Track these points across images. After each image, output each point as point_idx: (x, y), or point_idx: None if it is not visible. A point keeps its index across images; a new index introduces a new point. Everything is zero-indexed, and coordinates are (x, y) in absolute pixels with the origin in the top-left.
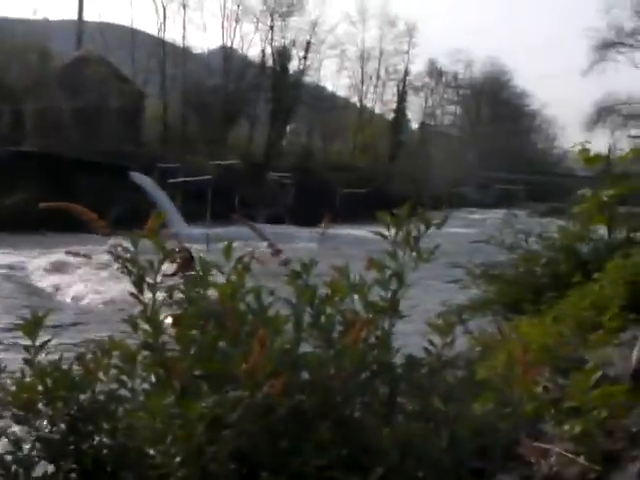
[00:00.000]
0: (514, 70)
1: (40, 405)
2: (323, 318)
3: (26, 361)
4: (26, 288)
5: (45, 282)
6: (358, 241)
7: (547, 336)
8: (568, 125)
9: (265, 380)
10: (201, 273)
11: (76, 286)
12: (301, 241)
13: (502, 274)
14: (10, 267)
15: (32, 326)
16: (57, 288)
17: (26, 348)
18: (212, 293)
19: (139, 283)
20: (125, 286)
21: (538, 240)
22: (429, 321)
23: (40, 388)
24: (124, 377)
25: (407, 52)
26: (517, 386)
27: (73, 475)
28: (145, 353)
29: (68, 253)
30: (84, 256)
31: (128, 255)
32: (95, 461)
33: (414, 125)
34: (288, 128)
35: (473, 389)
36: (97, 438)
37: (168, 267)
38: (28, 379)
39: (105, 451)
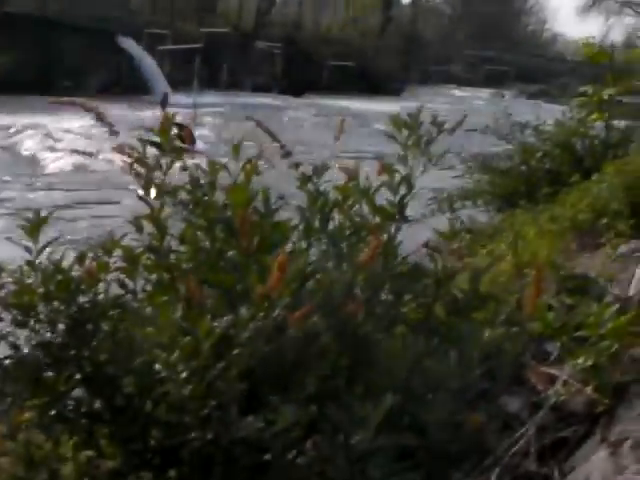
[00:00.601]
0: None
1: (40, 307)
2: (332, 225)
3: (28, 263)
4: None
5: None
6: (343, 111)
7: (544, 236)
8: (560, 8)
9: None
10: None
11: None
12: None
13: (496, 165)
14: None
15: (34, 227)
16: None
17: (27, 249)
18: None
19: (147, 184)
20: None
21: (534, 132)
22: (436, 229)
23: (41, 290)
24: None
25: None
26: (525, 305)
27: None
28: (149, 255)
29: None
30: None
31: (135, 154)
32: (96, 367)
33: (405, 1)
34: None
35: (478, 302)
36: (97, 343)
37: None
38: (29, 280)
39: (106, 356)
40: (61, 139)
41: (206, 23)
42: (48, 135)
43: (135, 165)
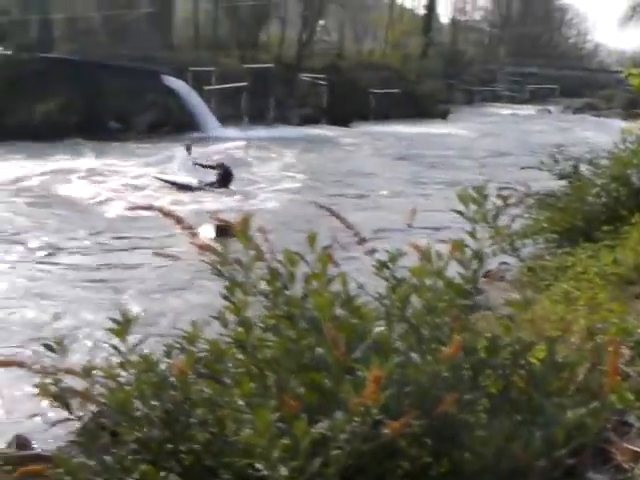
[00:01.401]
0: None
1: (136, 405)
2: (411, 311)
3: (121, 364)
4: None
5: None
6: (389, 135)
7: (607, 280)
8: (601, 19)
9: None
10: (288, 265)
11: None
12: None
13: (554, 202)
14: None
15: (122, 328)
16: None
17: (116, 348)
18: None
19: (231, 285)
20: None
21: (589, 167)
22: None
23: (134, 388)
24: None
25: None
26: (606, 381)
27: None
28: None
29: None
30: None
31: (218, 255)
32: (194, 459)
33: (444, 20)
34: (319, 27)
35: (555, 372)
36: (194, 437)
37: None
38: (121, 378)
39: (203, 449)
40: (113, 184)
41: (248, 57)
42: (99, 180)
43: (215, 261)
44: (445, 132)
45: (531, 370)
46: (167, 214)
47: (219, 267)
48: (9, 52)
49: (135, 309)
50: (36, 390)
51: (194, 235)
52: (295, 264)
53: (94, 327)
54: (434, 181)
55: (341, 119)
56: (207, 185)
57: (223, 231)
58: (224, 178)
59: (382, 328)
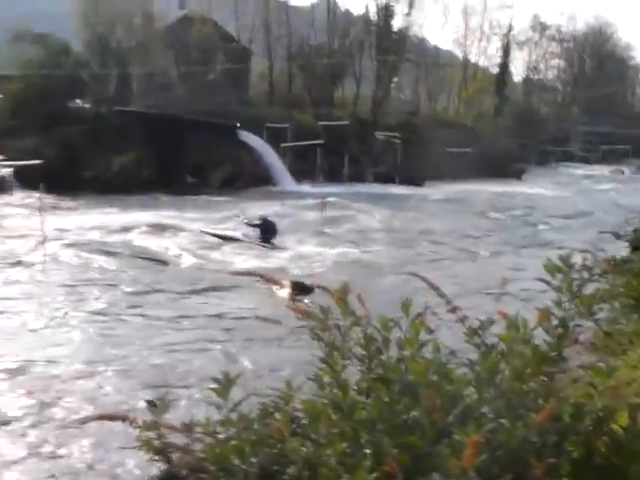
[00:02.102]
0: (618, 22)
1: (234, 460)
2: (499, 379)
3: (221, 422)
4: (136, 252)
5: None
6: (464, 195)
7: None
8: None
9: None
10: (383, 331)
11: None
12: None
13: (631, 266)
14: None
15: (224, 388)
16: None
17: (219, 407)
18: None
19: (330, 349)
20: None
21: None
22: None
23: (233, 444)
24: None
25: (511, 6)
26: None
27: None
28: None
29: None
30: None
31: (316, 318)
32: None
33: (517, 79)
34: (393, 84)
35: (638, 440)
36: None
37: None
38: (221, 435)
39: None
40: (185, 238)
41: (323, 113)
42: (172, 233)
43: (314, 327)
44: (520, 192)
45: (614, 437)
46: (269, 280)
47: (318, 332)
48: (88, 105)
49: (231, 366)
50: (139, 444)
51: (294, 300)
52: (390, 330)
53: (193, 382)
54: (514, 241)
55: (415, 177)
56: (253, 239)
57: (298, 290)
58: (267, 233)
59: (473, 393)
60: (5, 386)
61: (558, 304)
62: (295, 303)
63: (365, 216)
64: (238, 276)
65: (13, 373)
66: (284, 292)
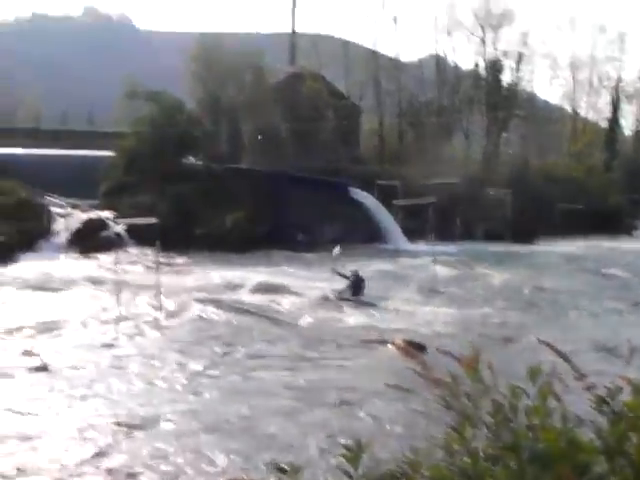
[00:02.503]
0: None
1: None
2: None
3: None
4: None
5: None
6: (578, 252)
7: None
8: None
9: None
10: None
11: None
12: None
13: None
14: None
15: (355, 455)
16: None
17: (347, 474)
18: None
19: (461, 419)
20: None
21: None
22: None
23: None
24: None
25: (619, 59)
26: None
27: None
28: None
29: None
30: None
31: (446, 386)
32: None
33: (627, 132)
34: (502, 140)
35: None
36: None
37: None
38: None
39: None
40: (298, 297)
41: (433, 170)
42: (286, 292)
43: (447, 395)
44: (632, 248)
45: None
46: (401, 348)
47: (448, 399)
48: (200, 162)
49: (358, 431)
50: None
51: (426, 369)
52: (518, 397)
53: (318, 446)
54: (631, 299)
55: (525, 234)
56: (340, 293)
57: (408, 350)
58: (355, 287)
59: (602, 462)
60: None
61: None
62: (429, 371)
63: (477, 274)
64: (358, 336)
65: (134, 428)
66: (398, 351)
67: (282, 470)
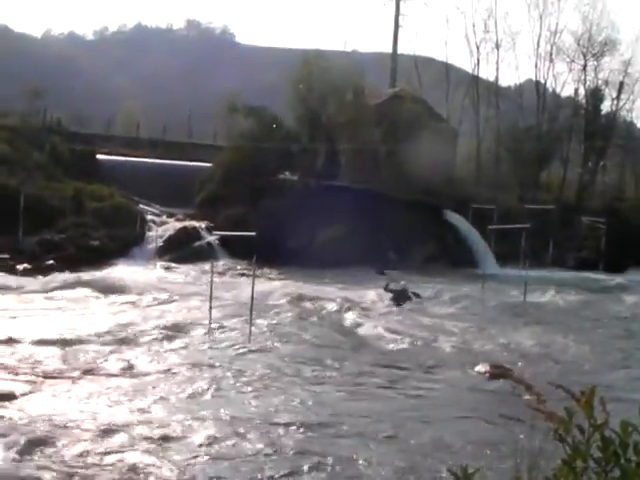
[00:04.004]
0: None
1: None
2: None
3: None
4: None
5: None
6: None
7: None
8: None
9: None
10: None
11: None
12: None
13: None
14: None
15: None
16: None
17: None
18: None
19: (573, 452)
20: None
21: None
22: None
23: None
24: None
25: None
26: None
27: None
28: None
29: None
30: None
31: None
32: None
33: None
34: (599, 168)
35: None
36: None
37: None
38: None
39: None
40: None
41: (528, 196)
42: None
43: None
44: None
45: None
46: (518, 381)
47: (562, 433)
48: (295, 177)
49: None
50: None
51: (541, 402)
52: (629, 434)
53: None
54: None
55: (618, 264)
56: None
57: (497, 372)
58: (400, 298)
59: None
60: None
61: None
62: (543, 405)
63: (566, 302)
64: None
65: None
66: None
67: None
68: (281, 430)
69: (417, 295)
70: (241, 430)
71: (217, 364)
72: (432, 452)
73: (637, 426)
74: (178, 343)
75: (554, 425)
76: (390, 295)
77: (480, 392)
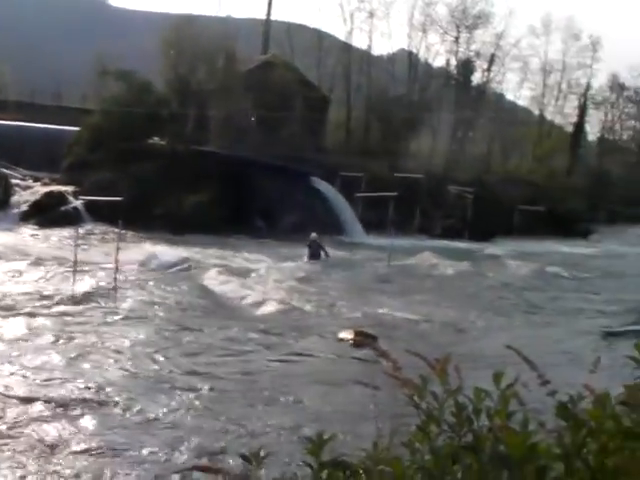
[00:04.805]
0: None
1: None
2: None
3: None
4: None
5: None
6: (534, 253)
7: None
8: None
9: None
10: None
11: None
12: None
13: None
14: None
15: (316, 447)
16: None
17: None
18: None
19: (427, 418)
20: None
21: None
22: None
23: None
24: None
25: (590, 66)
26: None
27: None
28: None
29: None
30: None
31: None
32: None
33: (592, 137)
34: (467, 139)
35: None
36: None
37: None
38: None
39: None
40: (257, 284)
41: (397, 165)
42: (243, 277)
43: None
44: (584, 252)
45: None
46: (375, 349)
47: (417, 400)
48: (164, 143)
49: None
50: None
51: (397, 369)
52: (481, 400)
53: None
54: (591, 307)
55: (484, 233)
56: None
57: (360, 339)
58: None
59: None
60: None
61: None
62: (399, 372)
63: (431, 270)
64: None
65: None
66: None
67: (247, 459)
68: (158, 394)
69: (326, 254)
70: (109, 397)
71: (80, 331)
72: (292, 418)
73: (489, 392)
74: (39, 309)
75: (409, 392)
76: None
77: (344, 359)
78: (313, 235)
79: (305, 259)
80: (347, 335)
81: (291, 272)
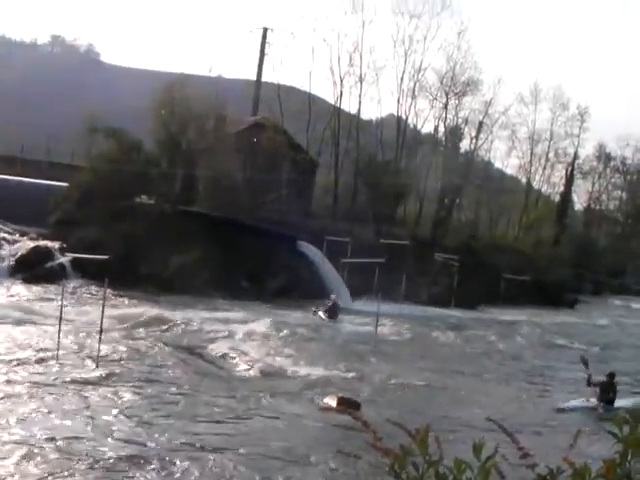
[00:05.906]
0: None
1: None
2: None
3: None
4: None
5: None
6: (518, 323)
7: None
8: None
9: None
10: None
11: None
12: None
13: None
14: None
15: None
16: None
17: None
18: None
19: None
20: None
21: None
22: None
23: None
24: None
25: (577, 135)
26: None
27: None
28: None
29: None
30: None
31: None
32: None
33: (578, 207)
34: (455, 207)
35: None
36: None
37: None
38: None
39: None
40: (240, 343)
41: (384, 231)
42: (227, 337)
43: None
44: (569, 321)
45: None
46: (357, 418)
47: (396, 468)
48: (152, 201)
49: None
50: None
51: (378, 439)
52: (462, 471)
53: None
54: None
55: (469, 301)
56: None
57: (343, 404)
58: (333, 312)
59: None
60: None
61: (624, 456)
62: (380, 442)
63: (416, 337)
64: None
65: None
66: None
67: None
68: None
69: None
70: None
71: (60, 387)
72: None
73: (470, 464)
74: (23, 365)
75: (390, 461)
76: (321, 314)
77: (326, 426)
78: (333, 296)
79: (323, 317)
80: (330, 401)
81: (278, 333)
